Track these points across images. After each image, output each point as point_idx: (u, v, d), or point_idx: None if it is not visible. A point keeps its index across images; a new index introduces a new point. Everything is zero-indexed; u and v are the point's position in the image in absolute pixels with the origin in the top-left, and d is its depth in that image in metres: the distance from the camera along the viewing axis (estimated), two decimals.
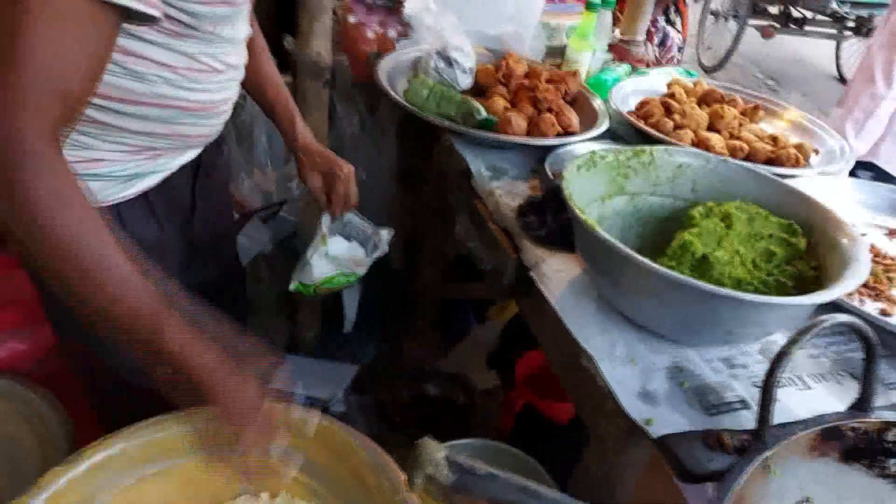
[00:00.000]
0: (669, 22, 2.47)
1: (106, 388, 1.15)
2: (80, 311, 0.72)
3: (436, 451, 0.56)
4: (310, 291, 1.29)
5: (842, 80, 6.19)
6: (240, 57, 1.00)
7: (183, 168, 1.04)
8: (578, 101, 1.58)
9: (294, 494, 0.97)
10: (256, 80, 1.19)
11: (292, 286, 1.29)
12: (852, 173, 2.09)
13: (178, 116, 0.92)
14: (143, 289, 0.71)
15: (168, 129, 0.92)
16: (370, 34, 1.66)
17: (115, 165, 0.91)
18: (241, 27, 0.97)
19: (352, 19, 1.67)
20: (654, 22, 2.16)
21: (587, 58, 1.74)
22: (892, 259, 1.18)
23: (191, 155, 1.05)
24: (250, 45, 1.11)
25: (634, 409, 0.82)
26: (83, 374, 1.20)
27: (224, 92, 0.98)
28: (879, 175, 2.07)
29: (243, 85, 1.13)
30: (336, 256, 1.27)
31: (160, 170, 0.99)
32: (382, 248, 1.31)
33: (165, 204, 1.04)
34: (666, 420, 0.80)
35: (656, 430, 0.79)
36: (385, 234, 1.32)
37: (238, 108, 1.59)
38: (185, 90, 0.89)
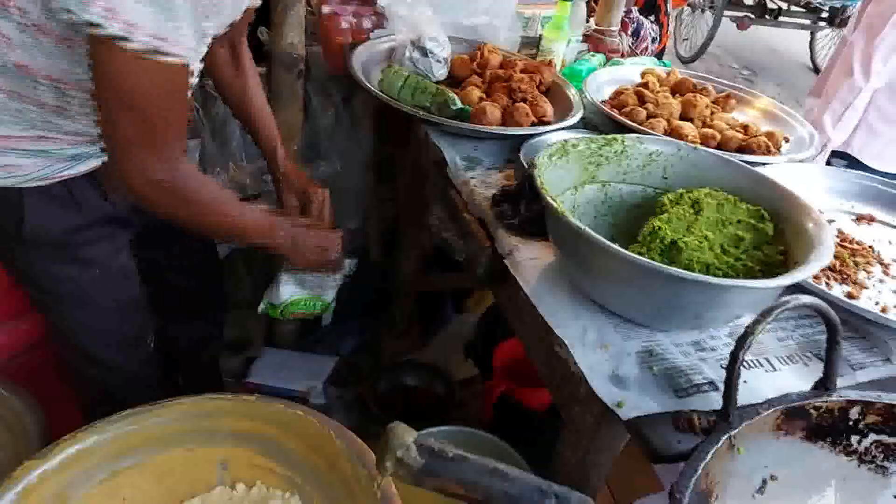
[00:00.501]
0: (644, 13, 2.49)
1: (79, 366, 1.20)
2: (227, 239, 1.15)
3: (405, 435, 0.56)
4: (276, 314, 1.32)
5: (816, 69, 6.28)
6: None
7: None
8: (553, 91, 1.58)
9: (270, 485, 0.97)
10: (243, 103, 1.30)
11: (261, 307, 1.32)
12: (827, 162, 2.13)
13: None
14: (257, 214, 1.10)
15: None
16: (344, 25, 1.65)
17: (58, 144, 0.99)
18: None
19: (326, 10, 1.66)
20: (627, 13, 2.17)
21: (562, 48, 1.75)
22: (859, 244, 1.21)
23: None
24: (240, 68, 1.27)
25: (606, 393, 0.83)
26: (61, 357, 1.21)
27: None
28: (853, 164, 2.12)
29: (228, 105, 1.33)
30: (302, 276, 1.31)
31: (102, 154, 1.01)
32: (345, 274, 1.37)
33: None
34: (637, 403, 0.82)
35: (627, 413, 0.80)
36: (349, 262, 1.37)
37: (211, 102, 1.58)
38: None
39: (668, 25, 2.63)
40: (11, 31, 0.87)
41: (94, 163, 1.04)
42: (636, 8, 2.37)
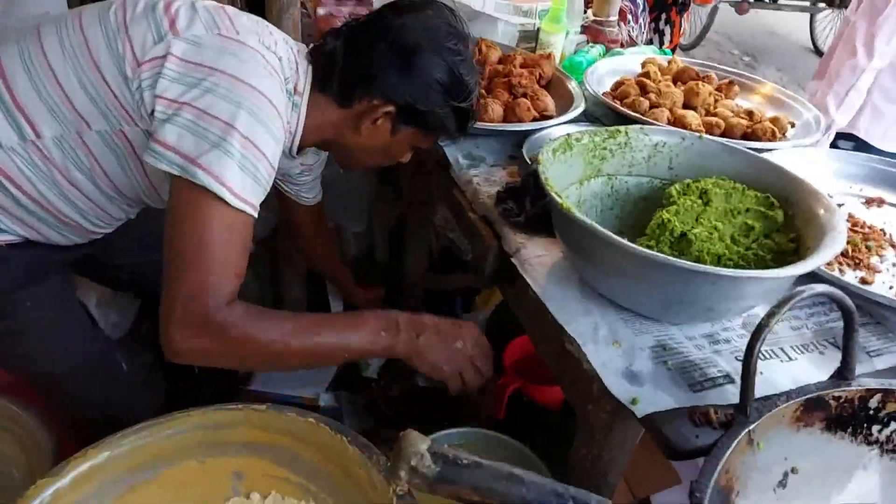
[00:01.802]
0: (658, 31, 2.44)
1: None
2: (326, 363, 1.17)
3: (419, 443, 0.56)
4: None
5: (817, 52, 6.22)
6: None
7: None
8: (554, 85, 1.57)
9: (285, 494, 0.97)
10: (325, 258, 1.57)
11: None
12: (833, 144, 2.10)
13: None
14: (360, 332, 0.97)
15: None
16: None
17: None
18: None
19: (321, 11, 1.65)
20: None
21: (560, 40, 1.73)
22: (870, 228, 1.19)
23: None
24: (322, 226, 1.50)
25: (620, 389, 0.82)
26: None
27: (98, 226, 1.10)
28: (860, 146, 2.09)
29: (309, 257, 1.62)
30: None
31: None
32: None
33: None
34: (652, 399, 0.81)
35: (642, 410, 0.79)
36: None
37: None
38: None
39: (680, 23, 2.57)
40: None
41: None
42: (651, 25, 2.33)
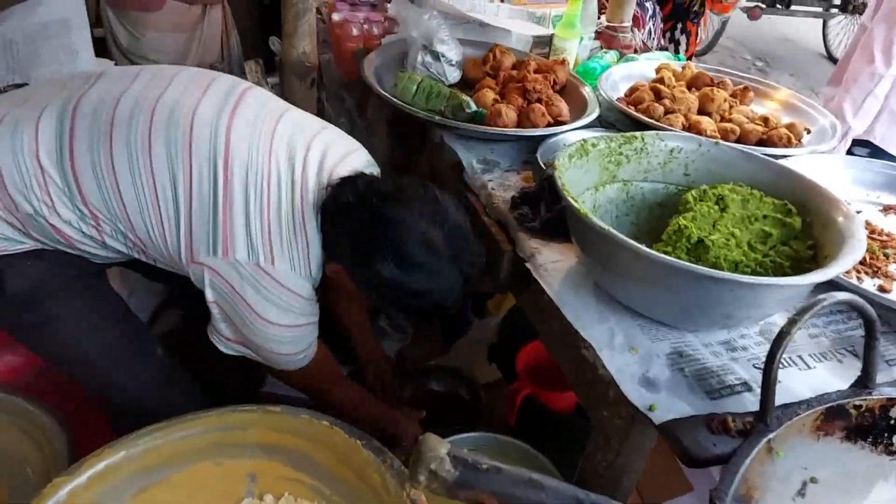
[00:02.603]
0: (674, 41, 2.42)
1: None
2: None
3: (439, 447, 0.55)
4: None
5: (830, 58, 6.19)
6: None
7: None
8: (568, 90, 1.57)
9: (298, 496, 0.97)
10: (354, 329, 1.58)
11: None
12: (849, 151, 2.09)
13: None
14: (368, 408, 1.34)
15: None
16: (355, 31, 1.65)
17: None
18: None
19: (336, 17, 1.66)
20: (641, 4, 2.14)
21: (574, 46, 1.73)
22: (888, 235, 1.18)
23: None
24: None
25: (637, 396, 0.81)
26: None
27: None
28: (875, 152, 2.07)
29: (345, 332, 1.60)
30: None
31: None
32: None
33: None
34: (669, 406, 0.80)
35: (659, 417, 0.78)
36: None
37: None
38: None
39: (697, 33, 2.54)
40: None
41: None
42: (667, 34, 2.32)
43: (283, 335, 1.07)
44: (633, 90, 1.54)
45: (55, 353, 1.15)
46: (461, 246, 1.03)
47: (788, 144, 1.36)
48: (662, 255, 0.81)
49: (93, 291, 1.14)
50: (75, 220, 1.01)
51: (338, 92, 1.76)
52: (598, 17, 2.00)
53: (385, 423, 1.34)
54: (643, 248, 0.81)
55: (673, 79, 1.58)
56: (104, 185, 0.99)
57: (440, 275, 1.02)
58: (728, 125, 1.40)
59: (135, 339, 1.20)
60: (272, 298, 1.02)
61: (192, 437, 0.94)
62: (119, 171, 0.98)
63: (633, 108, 1.45)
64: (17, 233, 1.02)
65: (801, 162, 1.27)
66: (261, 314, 1.02)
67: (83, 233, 1.03)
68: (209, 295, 1.03)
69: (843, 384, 0.81)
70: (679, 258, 0.90)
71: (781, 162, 1.08)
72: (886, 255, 1.11)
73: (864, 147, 2.11)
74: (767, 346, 0.73)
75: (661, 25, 2.36)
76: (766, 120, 1.45)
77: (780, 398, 0.74)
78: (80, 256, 1.08)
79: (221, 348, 1.11)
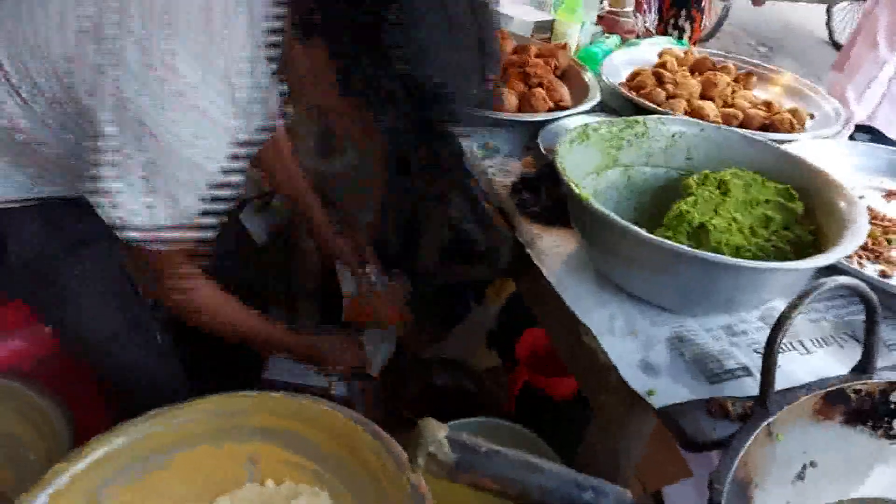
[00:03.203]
0: (678, 27, 2.40)
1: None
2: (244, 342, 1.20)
3: (437, 431, 0.55)
4: None
5: (834, 44, 6.14)
6: None
7: None
8: (569, 75, 1.55)
9: (299, 480, 0.97)
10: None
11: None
12: (851, 137, 2.08)
13: None
14: (274, 331, 1.22)
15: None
16: None
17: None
18: None
19: None
20: None
21: (576, 31, 1.72)
22: (890, 220, 1.17)
23: None
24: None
25: (636, 380, 0.81)
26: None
27: None
28: (877, 138, 2.06)
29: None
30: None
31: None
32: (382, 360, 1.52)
33: None
34: (668, 390, 0.80)
35: (659, 401, 0.78)
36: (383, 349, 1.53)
37: None
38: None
39: (701, 19, 2.52)
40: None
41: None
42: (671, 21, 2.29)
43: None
44: (634, 75, 1.53)
45: (65, 330, 1.16)
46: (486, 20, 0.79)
47: (791, 129, 1.35)
48: (664, 240, 0.81)
49: (107, 269, 1.13)
50: None
51: None
52: (601, 2, 1.98)
53: (311, 350, 1.30)
54: (644, 232, 0.80)
55: (675, 64, 1.57)
56: None
57: (459, 47, 0.76)
58: (731, 110, 1.39)
59: (138, 318, 1.20)
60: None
61: (192, 421, 0.94)
62: None
63: (635, 93, 1.44)
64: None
65: (804, 147, 1.26)
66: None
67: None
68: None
69: (844, 369, 0.81)
70: (680, 243, 0.89)
71: (784, 147, 1.07)
72: (888, 241, 1.11)
73: (866, 133, 2.10)
74: (768, 332, 0.72)
75: (666, 11, 2.33)
76: (768, 105, 1.44)
77: (780, 382, 0.74)
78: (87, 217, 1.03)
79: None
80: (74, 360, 1.24)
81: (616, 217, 0.82)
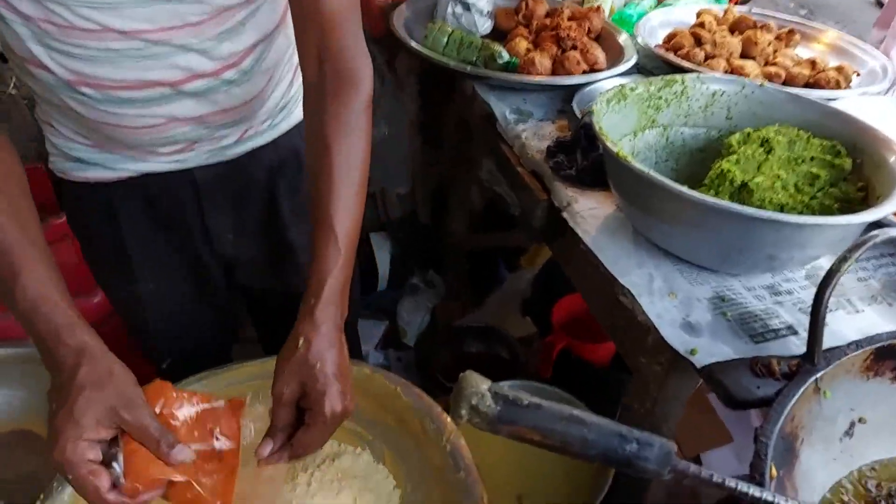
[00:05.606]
0: None
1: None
2: None
3: (480, 383, 0.56)
4: None
5: (878, 3, 5.88)
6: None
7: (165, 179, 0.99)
8: (603, 38, 1.52)
9: (341, 441, 0.99)
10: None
11: None
12: None
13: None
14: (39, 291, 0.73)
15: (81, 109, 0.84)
16: None
17: (58, 138, 0.96)
18: None
19: None
20: None
21: None
22: None
23: (157, 166, 0.97)
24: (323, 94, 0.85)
25: (677, 340, 0.81)
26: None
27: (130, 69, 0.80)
28: None
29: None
30: None
31: (110, 166, 0.96)
32: None
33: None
34: (710, 350, 0.79)
35: (701, 360, 0.78)
36: None
37: None
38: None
39: None
40: None
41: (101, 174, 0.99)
42: None
43: None
44: (671, 36, 1.49)
45: (139, 327, 1.16)
46: None
47: (837, 87, 1.31)
48: (704, 196, 0.79)
49: (174, 260, 1.10)
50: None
51: (367, 49, 1.74)
52: None
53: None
54: (685, 189, 0.79)
55: (714, 23, 1.52)
56: None
57: None
58: (773, 69, 1.35)
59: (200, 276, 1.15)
60: None
61: (238, 384, 0.96)
62: None
63: (672, 53, 1.40)
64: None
65: (851, 104, 1.21)
66: None
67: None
68: None
69: (893, 327, 0.79)
70: None
71: (830, 104, 1.03)
72: None
73: None
74: (814, 290, 0.71)
75: None
76: (812, 63, 1.39)
77: (827, 341, 0.72)
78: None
79: None
80: (120, 326, 1.26)
81: (655, 174, 0.81)
